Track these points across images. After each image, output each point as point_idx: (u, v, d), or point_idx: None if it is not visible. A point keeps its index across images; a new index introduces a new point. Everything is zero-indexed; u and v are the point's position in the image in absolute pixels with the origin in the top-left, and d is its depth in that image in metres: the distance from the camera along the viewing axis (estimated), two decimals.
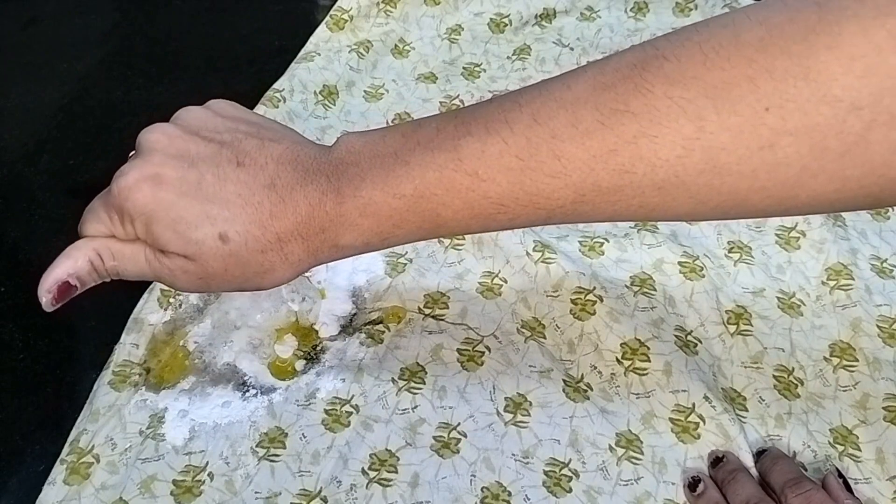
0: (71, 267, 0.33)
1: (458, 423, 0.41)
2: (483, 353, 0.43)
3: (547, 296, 0.46)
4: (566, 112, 0.27)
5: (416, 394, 0.42)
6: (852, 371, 0.43)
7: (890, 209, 0.50)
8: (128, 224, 0.31)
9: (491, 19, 0.63)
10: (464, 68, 0.61)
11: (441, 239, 0.49)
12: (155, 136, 0.31)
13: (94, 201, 0.33)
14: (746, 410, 0.42)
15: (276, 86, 0.57)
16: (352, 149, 0.31)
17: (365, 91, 0.59)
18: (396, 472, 0.39)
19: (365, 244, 0.31)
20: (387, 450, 0.40)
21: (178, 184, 0.30)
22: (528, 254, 0.47)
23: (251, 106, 0.56)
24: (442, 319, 0.45)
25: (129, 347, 0.44)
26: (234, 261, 0.30)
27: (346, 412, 0.41)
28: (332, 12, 0.63)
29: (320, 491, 0.38)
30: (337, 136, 0.55)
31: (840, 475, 0.38)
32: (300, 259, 0.31)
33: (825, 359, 0.44)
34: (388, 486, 0.39)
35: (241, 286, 0.32)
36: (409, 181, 0.30)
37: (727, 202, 0.27)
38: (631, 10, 0.63)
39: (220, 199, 0.30)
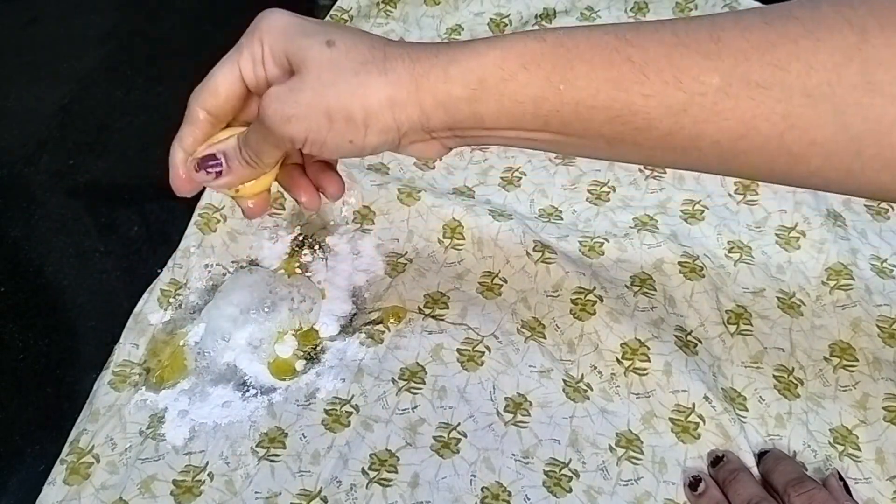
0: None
1: (458, 423, 0.41)
2: (483, 353, 0.43)
3: (547, 296, 0.46)
4: (732, 14, 0.27)
5: (416, 394, 0.42)
6: (852, 371, 0.43)
7: (889, 209, 0.50)
8: (255, 41, 0.31)
9: (491, 19, 0.63)
10: None
11: (441, 239, 0.49)
12: None
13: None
14: (746, 410, 0.42)
15: None
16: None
17: None
18: (396, 472, 0.39)
19: (479, 81, 0.28)
20: (387, 450, 0.40)
21: (313, 21, 0.30)
22: (528, 254, 0.47)
23: None
24: (442, 319, 0.45)
25: (129, 347, 0.44)
26: (331, 67, 0.28)
27: (346, 412, 0.41)
28: (332, 12, 0.63)
29: (320, 491, 0.38)
30: None
31: (840, 478, 0.38)
32: (400, 77, 0.28)
33: (825, 359, 0.44)
34: (388, 486, 0.39)
35: (331, 110, 0.29)
36: (553, 32, 0.28)
37: (869, 131, 0.26)
38: (631, 10, 0.63)
39: (341, 28, 0.30)
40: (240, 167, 0.33)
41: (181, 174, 0.34)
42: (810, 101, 0.26)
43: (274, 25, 0.31)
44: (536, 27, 0.63)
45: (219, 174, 0.33)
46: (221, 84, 0.32)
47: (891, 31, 0.25)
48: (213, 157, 0.33)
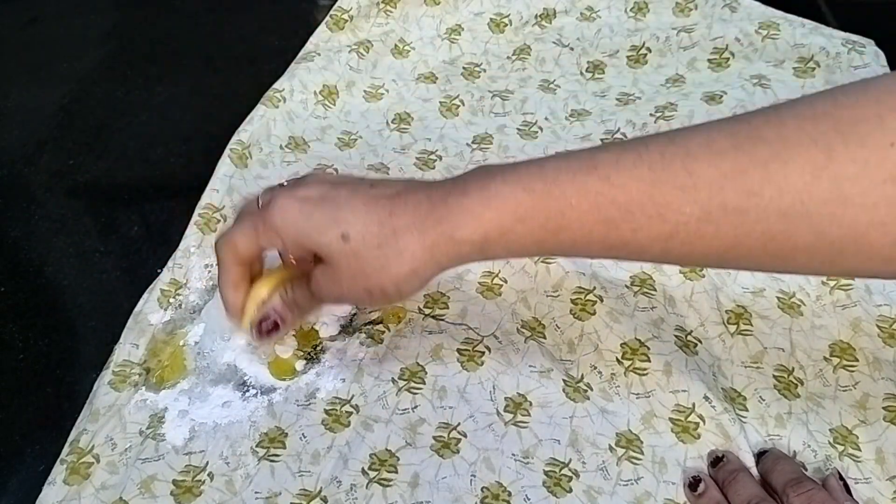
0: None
1: (458, 423, 0.41)
2: (483, 353, 0.43)
3: (547, 296, 0.46)
4: (701, 135, 0.29)
5: (416, 394, 0.42)
6: (852, 371, 0.43)
7: None
8: (273, 235, 0.34)
9: (491, 19, 0.63)
10: (464, 68, 0.61)
11: None
12: (314, 175, 0.36)
13: (241, 216, 0.37)
14: (746, 410, 0.42)
15: (276, 86, 0.57)
16: (483, 166, 0.33)
17: (365, 91, 0.59)
18: (396, 472, 0.39)
19: (483, 238, 0.32)
20: (387, 450, 0.40)
21: (318, 200, 0.34)
22: None
23: (251, 106, 0.56)
24: (442, 319, 0.45)
25: (129, 347, 0.44)
26: (354, 258, 0.33)
27: (346, 412, 0.41)
28: (332, 12, 0.63)
29: (320, 491, 0.38)
30: (337, 136, 0.56)
31: (841, 477, 0.38)
32: (414, 253, 0.32)
33: (825, 359, 0.44)
34: (388, 486, 0.39)
35: (369, 288, 0.34)
36: (540, 179, 0.31)
37: (845, 236, 0.28)
38: (631, 10, 0.63)
39: (348, 207, 0.33)
40: (292, 321, 0.38)
41: (239, 312, 0.38)
42: (786, 218, 0.28)
43: (288, 224, 0.34)
44: (536, 27, 0.63)
45: (276, 328, 0.38)
46: (241, 246, 0.36)
47: (854, 146, 0.27)
48: (267, 317, 0.38)
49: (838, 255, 0.29)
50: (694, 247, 0.30)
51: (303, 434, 0.40)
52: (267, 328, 0.37)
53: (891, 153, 0.26)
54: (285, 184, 0.37)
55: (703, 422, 0.41)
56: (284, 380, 0.43)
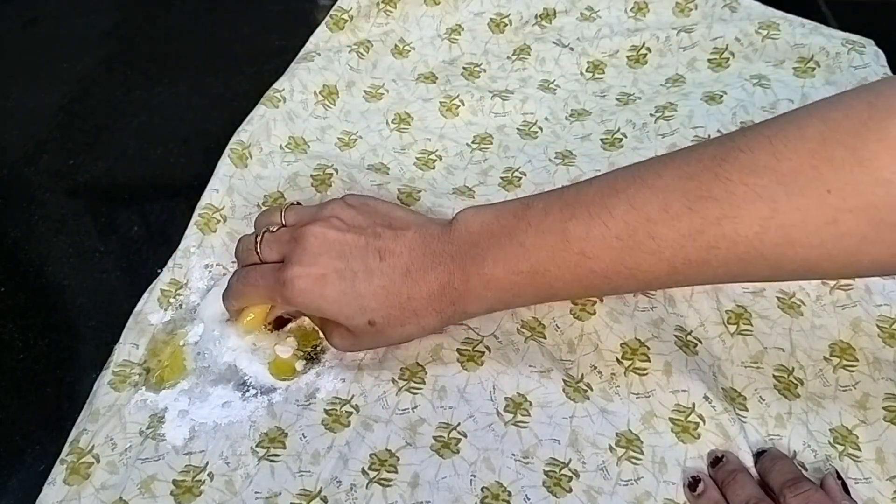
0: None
1: (458, 423, 0.41)
2: (483, 353, 0.43)
3: None
4: (658, 199, 0.32)
5: (416, 394, 0.42)
6: (852, 371, 0.43)
7: None
8: (291, 308, 0.41)
9: (491, 19, 0.63)
10: (464, 68, 0.61)
11: None
12: (316, 240, 0.38)
13: (250, 276, 0.40)
14: (747, 410, 0.42)
15: (276, 86, 0.57)
16: (470, 228, 0.38)
17: (365, 91, 0.59)
18: (396, 472, 0.39)
19: (489, 309, 0.39)
20: (387, 450, 0.40)
21: (337, 282, 0.37)
22: None
23: (251, 106, 0.56)
24: None
25: (129, 347, 0.44)
26: (380, 336, 0.39)
27: (346, 412, 0.41)
28: (332, 12, 0.63)
29: (320, 491, 0.38)
30: (337, 136, 0.56)
31: (839, 476, 0.38)
32: (434, 325, 0.39)
33: (825, 359, 0.43)
34: (388, 486, 0.39)
35: (392, 345, 0.42)
36: (525, 260, 0.36)
37: (800, 268, 0.31)
38: (631, 10, 0.63)
39: (368, 294, 0.37)
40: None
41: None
42: (744, 262, 0.32)
43: (310, 304, 0.38)
44: (536, 27, 0.63)
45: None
46: (261, 309, 0.43)
47: (796, 197, 0.30)
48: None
49: (797, 278, 0.34)
50: (667, 287, 0.37)
51: (303, 434, 0.40)
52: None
53: (828, 199, 0.29)
54: (274, 230, 0.40)
55: (703, 422, 0.41)
56: (284, 380, 0.43)
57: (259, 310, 0.43)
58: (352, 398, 0.42)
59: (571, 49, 0.61)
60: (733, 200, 0.31)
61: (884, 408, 0.41)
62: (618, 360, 0.43)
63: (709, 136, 0.54)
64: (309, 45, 0.62)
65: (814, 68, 0.57)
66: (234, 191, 0.51)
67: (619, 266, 0.34)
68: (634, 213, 0.33)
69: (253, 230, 0.44)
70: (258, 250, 0.40)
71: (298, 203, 0.46)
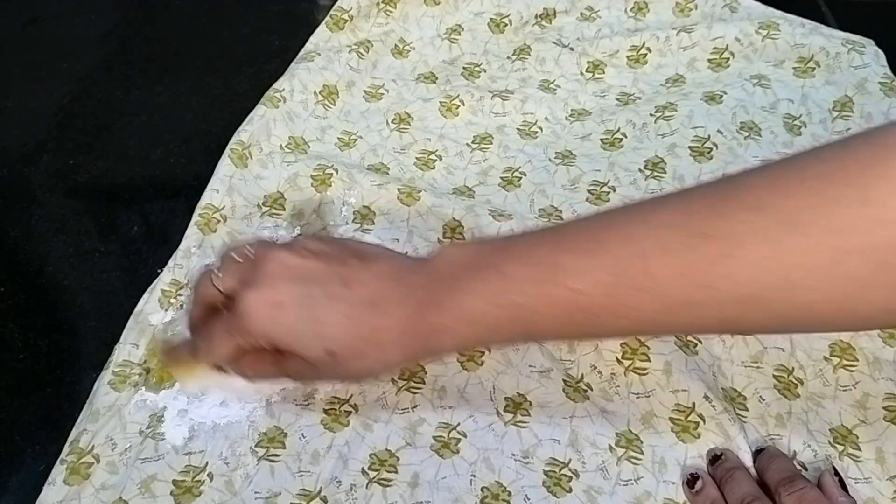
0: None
1: (458, 423, 0.41)
2: (483, 353, 0.43)
3: None
4: (654, 234, 0.31)
5: (415, 393, 0.42)
6: (852, 371, 0.43)
7: None
8: (250, 337, 0.35)
9: (491, 19, 0.63)
10: (464, 68, 0.61)
11: (441, 239, 0.49)
12: (276, 265, 0.35)
13: (215, 326, 0.36)
14: (747, 410, 0.42)
15: (276, 86, 0.57)
16: (449, 261, 0.35)
17: (365, 91, 0.59)
18: (396, 472, 0.39)
19: (460, 347, 0.36)
20: (386, 450, 0.40)
21: (295, 308, 0.34)
22: None
23: (251, 106, 0.56)
24: None
25: (129, 347, 0.44)
26: (339, 367, 0.35)
27: (345, 412, 0.41)
28: (332, 12, 0.63)
29: (320, 491, 0.38)
30: (337, 136, 0.56)
31: (836, 473, 0.38)
32: (397, 361, 0.36)
33: (825, 358, 0.43)
34: (387, 486, 0.39)
35: (351, 380, 0.40)
36: (508, 292, 0.33)
37: (798, 314, 0.30)
38: (631, 10, 0.63)
39: (329, 321, 0.34)
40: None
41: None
42: (740, 304, 0.30)
43: (265, 334, 0.34)
44: (536, 27, 0.63)
45: None
46: (221, 349, 0.36)
47: (798, 236, 0.28)
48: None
49: (791, 326, 0.32)
50: (654, 332, 0.34)
51: (302, 434, 0.40)
52: None
53: (831, 239, 0.28)
54: (235, 256, 0.36)
55: (703, 421, 0.41)
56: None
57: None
58: (350, 398, 0.42)
59: (571, 49, 0.61)
60: (733, 238, 0.29)
61: (884, 408, 0.41)
62: (618, 359, 0.43)
63: (708, 136, 0.54)
64: (309, 45, 0.62)
65: (814, 68, 0.57)
66: (234, 191, 0.51)
67: (610, 303, 0.31)
68: (629, 248, 0.31)
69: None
70: (215, 280, 0.36)
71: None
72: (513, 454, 0.40)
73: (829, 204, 0.28)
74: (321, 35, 0.62)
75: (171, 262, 0.47)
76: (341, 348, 0.34)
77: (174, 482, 0.39)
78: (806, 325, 0.31)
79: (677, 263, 0.30)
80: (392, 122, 0.57)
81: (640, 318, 0.32)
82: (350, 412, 0.41)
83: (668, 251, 0.30)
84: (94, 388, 0.42)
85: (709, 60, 0.60)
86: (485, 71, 0.61)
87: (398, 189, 0.51)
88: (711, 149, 0.53)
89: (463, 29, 0.63)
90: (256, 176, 0.52)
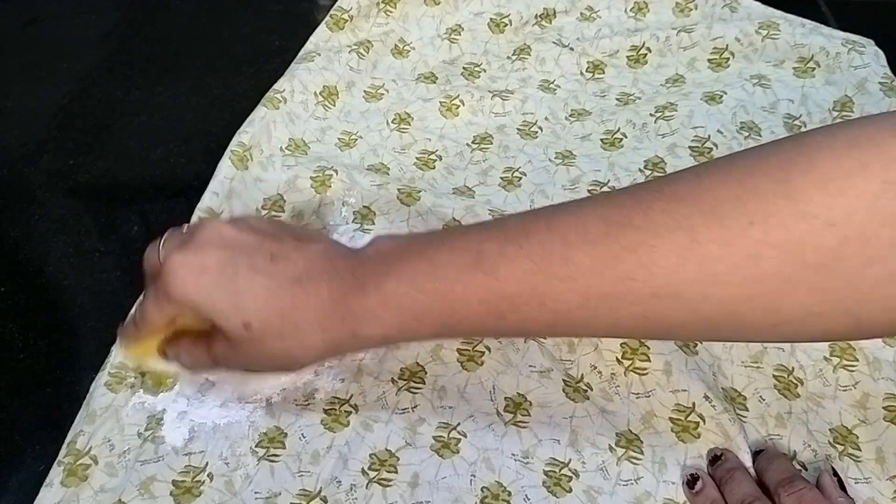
0: None
1: (458, 423, 0.41)
2: (483, 353, 0.43)
3: None
4: (578, 224, 0.31)
5: (415, 393, 0.42)
6: (852, 371, 0.43)
7: None
8: (169, 304, 0.34)
9: (491, 19, 0.63)
10: (464, 68, 0.61)
11: None
12: (210, 232, 0.34)
13: (148, 294, 0.36)
14: (747, 410, 0.42)
15: (276, 86, 0.57)
16: (380, 248, 0.35)
17: (365, 91, 0.59)
18: (396, 472, 0.39)
19: (383, 337, 0.34)
20: (387, 450, 0.40)
21: (217, 275, 0.33)
22: None
23: (251, 106, 0.56)
24: None
25: None
26: (257, 345, 0.33)
27: (346, 412, 0.41)
28: (332, 12, 0.63)
29: (320, 491, 0.38)
30: (337, 136, 0.56)
31: (835, 473, 0.38)
32: (317, 347, 0.34)
33: (825, 358, 0.43)
34: (388, 486, 0.39)
35: (274, 367, 0.36)
36: (431, 278, 0.32)
37: (718, 312, 0.29)
38: (631, 10, 0.63)
39: (249, 292, 0.33)
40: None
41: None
42: (660, 299, 0.29)
43: (187, 298, 0.33)
44: (536, 27, 0.63)
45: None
46: (155, 318, 0.36)
47: (717, 227, 0.28)
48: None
49: (714, 328, 0.30)
50: (577, 330, 0.33)
51: (302, 434, 0.40)
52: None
53: (750, 231, 0.27)
54: (185, 229, 0.36)
55: (703, 421, 0.41)
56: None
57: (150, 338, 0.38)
58: (350, 398, 0.42)
59: (571, 49, 0.61)
60: (652, 228, 0.29)
61: (884, 408, 0.41)
62: (618, 359, 0.43)
63: (708, 135, 0.54)
64: (309, 45, 0.62)
65: (814, 68, 0.57)
66: (233, 194, 0.51)
67: (530, 291, 0.31)
68: (551, 235, 0.31)
69: None
70: (159, 252, 0.36)
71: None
72: (513, 454, 0.40)
73: (749, 196, 0.28)
74: (321, 35, 0.62)
75: None
76: (258, 322, 0.33)
77: (174, 482, 0.39)
78: (728, 325, 0.30)
79: (596, 252, 0.30)
80: (392, 122, 0.57)
81: (561, 312, 0.31)
82: (350, 412, 0.41)
83: (588, 240, 0.30)
84: (91, 389, 0.42)
85: (709, 60, 0.60)
86: (485, 71, 0.61)
87: (398, 189, 0.51)
88: (711, 149, 0.53)
89: (463, 29, 0.63)
90: (256, 179, 0.52)
